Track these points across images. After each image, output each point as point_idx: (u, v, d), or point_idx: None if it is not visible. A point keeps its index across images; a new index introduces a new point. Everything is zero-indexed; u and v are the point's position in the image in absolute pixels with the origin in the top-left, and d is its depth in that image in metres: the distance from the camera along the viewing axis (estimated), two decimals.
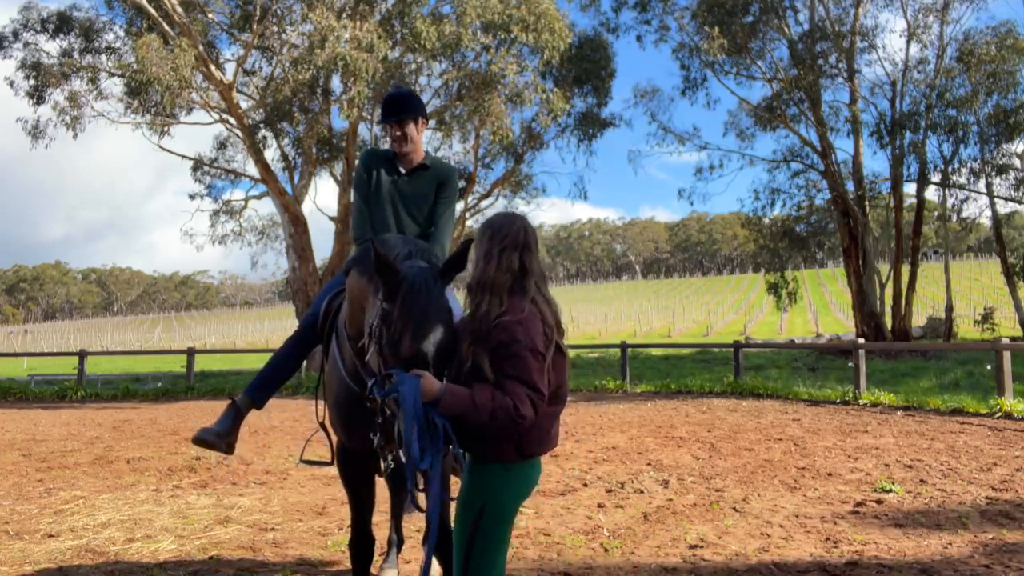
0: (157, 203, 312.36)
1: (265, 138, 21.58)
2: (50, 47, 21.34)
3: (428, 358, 2.43)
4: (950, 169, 24.62)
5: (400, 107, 3.57)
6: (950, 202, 26.48)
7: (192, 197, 25.04)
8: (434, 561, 3.91)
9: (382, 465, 3.29)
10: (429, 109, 22.09)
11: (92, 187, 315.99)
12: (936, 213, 29.79)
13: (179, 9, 19.18)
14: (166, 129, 22.28)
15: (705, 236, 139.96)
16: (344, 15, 18.56)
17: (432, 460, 2.32)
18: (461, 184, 23.60)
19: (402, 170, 3.65)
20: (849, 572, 4.10)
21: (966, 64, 22.88)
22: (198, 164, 24.20)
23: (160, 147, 22.22)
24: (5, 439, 10.32)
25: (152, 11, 18.85)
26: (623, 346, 17.97)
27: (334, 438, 3.49)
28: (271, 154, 22.06)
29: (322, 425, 3.52)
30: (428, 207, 3.61)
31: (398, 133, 3.56)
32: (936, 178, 24.78)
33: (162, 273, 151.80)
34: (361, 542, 3.37)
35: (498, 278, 2.44)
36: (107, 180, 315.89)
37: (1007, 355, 11.03)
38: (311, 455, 4.03)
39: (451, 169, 3.77)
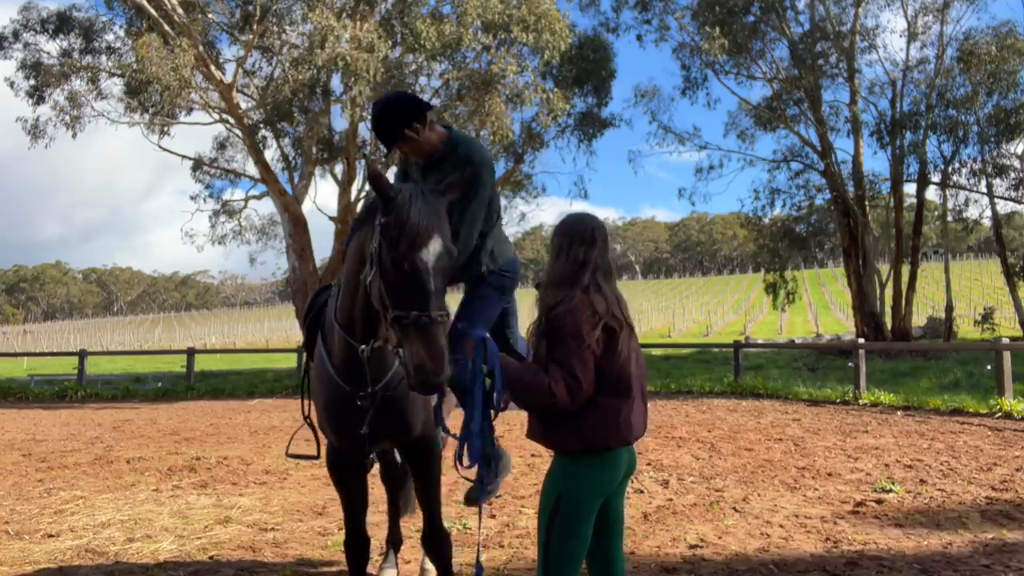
0: (155, 202, 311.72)
1: (265, 138, 21.57)
2: (50, 47, 21.35)
3: (428, 264, 2.53)
4: (950, 169, 24.60)
5: (385, 134, 3.10)
6: (950, 202, 26.45)
7: (192, 198, 25.07)
8: (427, 560, 3.91)
9: (369, 459, 3.28)
10: None
11: (89, 186, 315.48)
12: (936, 213, 29.78)
13: (179, 9, 19.17)
14: (166, 129, 22.26)
15: (705, 236, 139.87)
16: (344, 15, 18.54)
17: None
18: None
19: (420, 166, 3.23)
20: (849, 572, 4.10)
21: (966, 64, 22.85)
22: (198, 164, 24.18)
23: (160, 147, 22.22)
24: (5, 439, 10.32)
25: (152, 11, 18.84)
26: None
27: (321, 435, 3.48)
28: (271, 154, 22.06)
29: (307, 420, 3.51)
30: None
31: (398, 155, 3.36)
32: (936, 178, 24.78)
33: (162, 273, 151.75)
34: (355, 542, 3.35)
35: (564, 271, 2.60)
36: (104, 179, 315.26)
37: (1007, 355, 11.03)
38: (299, 449, 4.01)
39: (475, 154, 3.11)
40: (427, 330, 2.46)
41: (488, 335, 2.62)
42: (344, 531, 3.39)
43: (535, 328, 2.63)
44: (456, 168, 3.01)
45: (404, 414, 3.08)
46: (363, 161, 21.04)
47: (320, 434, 3.47)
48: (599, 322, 2.51)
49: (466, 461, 2.63)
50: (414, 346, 2.47)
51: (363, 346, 2.91)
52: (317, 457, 3.55)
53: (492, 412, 2.63)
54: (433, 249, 2.57)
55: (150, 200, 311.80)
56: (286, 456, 3.81)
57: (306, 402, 3.49)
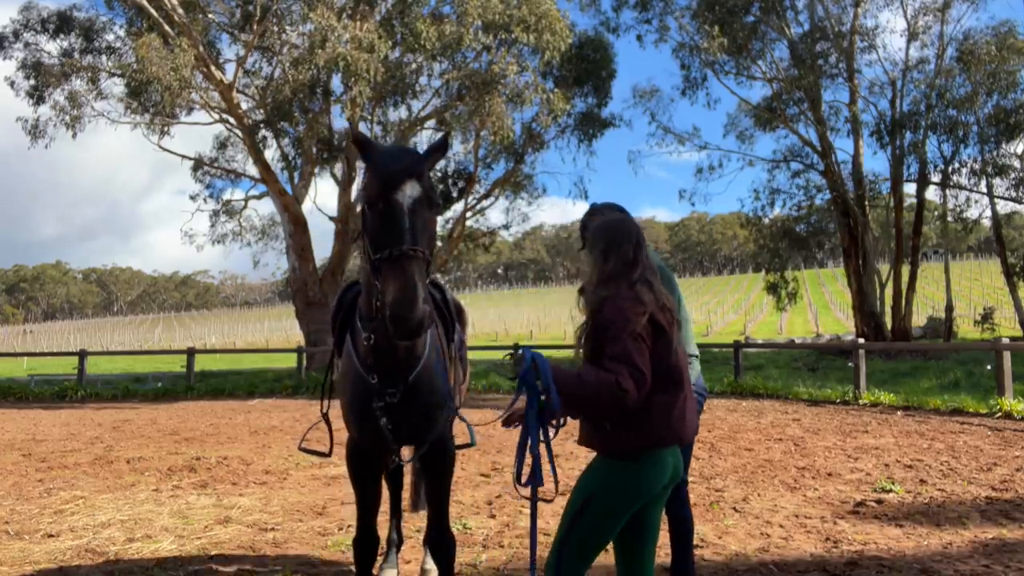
0: (154, 202, 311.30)
1: (265, 138, 21.59)
2: (50, 47, 21.38)
3: (403, 203, 2.55)
4: (950, 169, 24.60)
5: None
6: (950, 202, 26.45)
7: (193, 198, 25.08)
8: (430, 561, 3.91)
9: (392, 459, 3.27)
10: (429, 109, 22.25)
11: (87, 185, 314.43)
12: (936, 213, 29.78)
13: (179, 9, 19.18)
14: (166, 129, 22.28)
15: (705, 236, 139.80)
16: (344, 15, 18.57)
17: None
18: (461, 184, 23.65)
19: None
20: (849, 572, 4.10)
21: (966, 64, 22.85)
22: (198, 164, 24.20)
23: (160, 147, 22.24)
24: (5, 439, 10.32)
25: (152, 11, 18.84)
26: None
27: (335, 432, 3.47)
28: (271, 154, 22.08)
29: (325, 417, 3.50)
30: None
31: None
32: (936, 178, 24.79)
33: (162, 273, 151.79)
34: (365, 540, 3.34)
35: (613, 270, 2.61)
36: (102, 178, 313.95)
37: (1007, 355, 11.02)
38: (312, 446, 4.01)
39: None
40: (398, 263, 2.43)
41: (537, 352, 2.52)
42: (355, 529, 3.38)
43: (583, 330, 2.59)
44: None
45: (427, 414, 3.05)
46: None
47: (334, 433, 3.45)
48: (646, 313, 2.50)
49: (523, 479, 2.61)
50: (387, 284, 2.42)
51: (365, 334, 2.90)
52: (328, 455, 3.53)
53: (551, 430, 2.58)
54: (409, 190, 2.59)
55: (148, 199, 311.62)
56: (300, 448, 3.81)
57: (325, 400, 3.48)
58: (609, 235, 2.70)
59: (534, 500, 2.63)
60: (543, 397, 2.48)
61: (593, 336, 2.51)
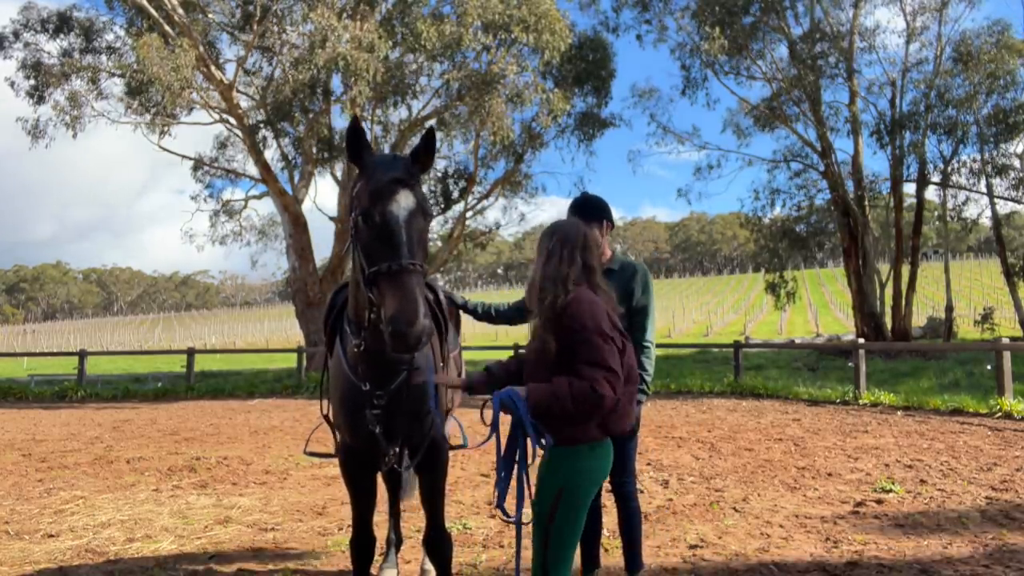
0: (151, 201, 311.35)
1: (265, 138, 21.59)
2: (50, 47, 21.37)
3: (398, 216, 2.54)
4: (950, 169, 24.61)
5: (584, 212, 3.63)
6: (950, 202, 26.46)
7: (193, 198, 25.11)
8: (427, 560, 3.91)
9: (389, 460, 3.27)
10: (428, 110, 22.23)
11: (83, 184, 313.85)
12: (936, 213, 29.77)
13: (179, 9, 19.18)
14: (166, 129, 22.26)
15: (705, 236, 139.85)
16: (345, 15, 18.57)
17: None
18: (462, 184, 23.65)
19: None
20: (849, 572, 4.10)
21: (964, 64, 22.88)
22: (198, 164, 24.20)
23: (160, 147, 22.22)
24: (5, 439, 10.32)
25: (152, 11, 18.84)
26: None
27: (338, 433, 3.48)
28: (271, 154, 22.08)
29: (326, 419, 3.50)
30: (626, 307, 3.53)
31: None
32: (936, 178, 24.79)
33: (162, 273, 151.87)
34: (362, 541, 3.34)
35: (563, 271, 2.68)
36: (99, 177, 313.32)
37: (1007, 355, 11.02)
38: (316, 447, 4.01)
39: (640, 267, 3.76)
40: (397, 277, 2.42)
41: (505, 391, 2.56)
42: (352, 530, 3.38)
43: (542, 324, 2.63)
44: (630, 277, 3.64)
45: (417, 414, 3.05)
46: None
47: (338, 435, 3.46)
48: (615, 318, 2.65)
49: (509, 510, 2.66)
50: (386, 298, 2.42)
51: (355, 340, 2.90)
52: (334, 455, 3.54)
53: (531, 455, 2.63)
54: (404, 201, 2.58)
55: (145, 199, 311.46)
56: (304, 453, 3.81)
57: (324, 401, 3.48)
58: (560, 239, 2.76)
59: (519, 529, 2.70)
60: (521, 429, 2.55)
61: (562, 338, 2.56)
